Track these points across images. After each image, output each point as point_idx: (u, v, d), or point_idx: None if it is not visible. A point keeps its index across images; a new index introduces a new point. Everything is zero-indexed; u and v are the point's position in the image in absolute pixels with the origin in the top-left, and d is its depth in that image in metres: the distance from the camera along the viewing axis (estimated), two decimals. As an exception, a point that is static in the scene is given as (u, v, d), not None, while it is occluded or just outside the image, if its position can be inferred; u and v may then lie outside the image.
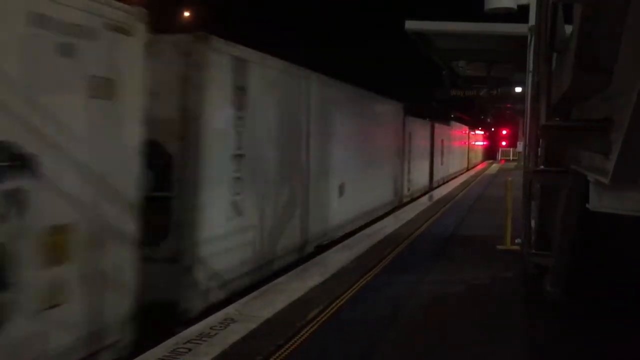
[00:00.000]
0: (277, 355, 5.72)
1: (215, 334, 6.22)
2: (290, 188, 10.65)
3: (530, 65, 9.89)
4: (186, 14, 34.91)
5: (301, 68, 11.17)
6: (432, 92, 22.70)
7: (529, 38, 10.94)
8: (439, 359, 5.88)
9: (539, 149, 8.06)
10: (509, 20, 13.51)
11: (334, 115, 13.04)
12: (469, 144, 48.29)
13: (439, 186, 27.60)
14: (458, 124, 40.39)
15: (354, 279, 8.63)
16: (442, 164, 30.69)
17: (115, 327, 5.55)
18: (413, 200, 21.54)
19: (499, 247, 11.13)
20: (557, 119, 6.09)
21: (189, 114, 7.19)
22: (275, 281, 8.62)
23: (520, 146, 33.96)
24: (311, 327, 6.52)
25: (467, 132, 46.96)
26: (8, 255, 4.39)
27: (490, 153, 66.65)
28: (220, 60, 7.74)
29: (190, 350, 5.75)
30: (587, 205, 4.65)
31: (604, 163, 3.91)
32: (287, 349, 5.87)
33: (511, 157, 57.58)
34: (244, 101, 8.44)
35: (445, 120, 33.35)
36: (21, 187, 4.47)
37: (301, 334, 6.30)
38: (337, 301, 7.51)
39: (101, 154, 5.33)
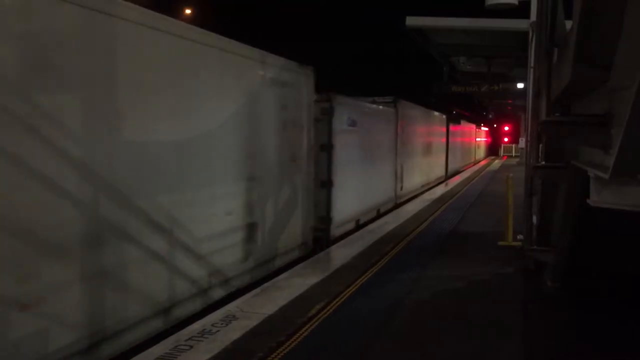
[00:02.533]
0: (278, 351, 5.73)
1: (217, 330, 6.24)
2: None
3: (532, 61, 9.86)
4: (187, 11, 34.82)
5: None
6: (432, 88, 22.64)
7: (530, 34, 10.89)
8: (439, 354, 5.88)
9: (540, 145, 8.06)
10: (510, 16, 13.50)
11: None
12: (475, 140, 48.80)
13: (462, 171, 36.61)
14: (467, 122, 41.58)
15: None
16: (459, 157, 38.52)
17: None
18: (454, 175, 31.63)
19: (501, 242, 11.12)
20: (557, 114, 6.08)
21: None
22: (277, 278, 8.63)
23: (522, 142, 34.17)
24: (312, 324, 6.53)
25: (474, 129, 47.48)
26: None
27: (492, 149, 66.62)
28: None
29: (191, 347, 5.77)
30: (587, 201, 4.64)
31: (603, 158, 3.91)
32: (288, 345, 5.89)
33: (513, 154, 57.54)
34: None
35: (457, 119, 36.08)
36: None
37: (302, 330, 6.32)
38: (339, 297, 7.54)
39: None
